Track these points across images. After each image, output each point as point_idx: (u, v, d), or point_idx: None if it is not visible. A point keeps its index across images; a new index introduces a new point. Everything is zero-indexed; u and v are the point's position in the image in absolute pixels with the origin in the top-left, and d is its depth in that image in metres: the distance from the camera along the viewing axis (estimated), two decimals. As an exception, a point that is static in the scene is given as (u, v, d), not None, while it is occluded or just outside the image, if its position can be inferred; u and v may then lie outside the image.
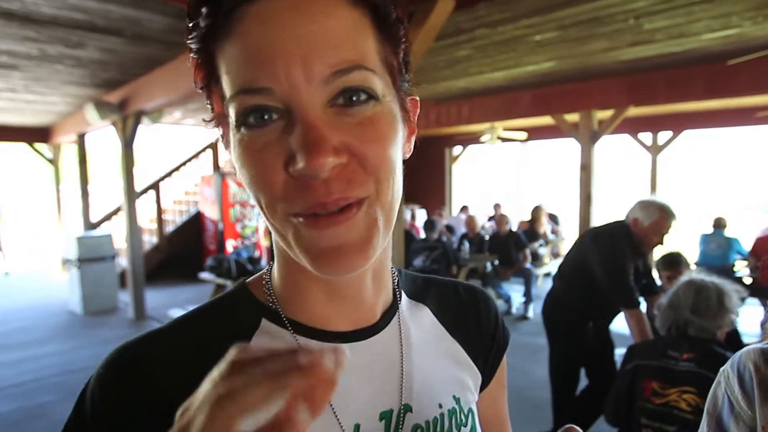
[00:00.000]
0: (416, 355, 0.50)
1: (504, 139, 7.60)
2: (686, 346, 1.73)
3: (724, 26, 3.45)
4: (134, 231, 5.72)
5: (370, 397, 0.45)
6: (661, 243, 2.52)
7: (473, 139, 8.56)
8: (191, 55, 0.39)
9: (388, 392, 0.47)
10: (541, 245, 6.93)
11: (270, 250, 0.50)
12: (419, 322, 0.52)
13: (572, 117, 5.65)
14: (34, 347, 4.83)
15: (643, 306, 2.52)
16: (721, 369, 0.92)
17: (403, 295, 0.53)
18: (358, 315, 0.47)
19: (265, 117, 0.36)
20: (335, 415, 0.43)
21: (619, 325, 2.76)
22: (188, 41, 0.39)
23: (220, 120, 0.41)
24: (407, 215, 6.60)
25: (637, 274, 2.54)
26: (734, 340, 2.11)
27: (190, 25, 0.38)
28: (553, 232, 7.85)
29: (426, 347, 0.51)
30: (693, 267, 2.76)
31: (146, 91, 4.68)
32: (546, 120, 6.54)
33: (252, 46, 0.35)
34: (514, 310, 5.90)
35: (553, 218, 8.31)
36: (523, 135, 7.47)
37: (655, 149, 7.74)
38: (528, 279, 5.86)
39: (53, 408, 3.47)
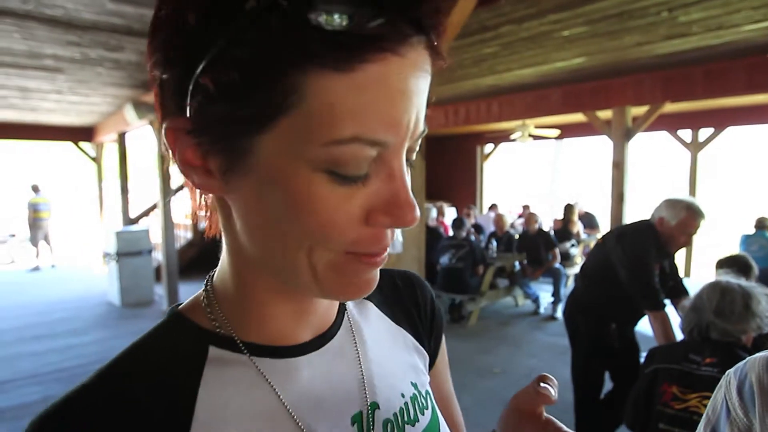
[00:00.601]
0: (371, 351, 0.50)
1: (535, 137, 7.48)
2: (708, 350, 1.68)
3: (766, 16, 3.29)
4: (169, 227, 5.93)
5: (337, 404, 0.45)
6: (689, 243, 2.45)
7: (504, 136, 8.45)
8: (243, 53, 0.31)
9: (353, 395, 0.46)
10: (573, 245, 6.79)
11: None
12: (366, 318, 0.53)
13: (605, 114, 5.51)
14: (76, 336, 5.09)
15: (671, 309, 2.45)
16: (726, 373, 0.91)
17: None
18: (317, 323, 0.47)
19: (363, 173, 0.35)
20: (319, 425, 0.43)
21: (645, 327, 2.69)
22: (265, 43, 0.31)
23: (228, 132, 0.35)
24: (434, 213, 6.58)
25: (663, 275, 2.48)
26: (763, 346, 2.03)
27: (284, 30, 0.30)
28: (587, 231, 7.67)
29: (378, 341, 0.52)
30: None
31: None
32: (578, 117, 6.39)
33: (384, 93, 0.32)
34: (542, 310, 5.82)
35: (589, 217, 8.12)
36: (555, 132, 7.33)
37: (695, 146, 7.46)
38: (557, 279, 5.76)
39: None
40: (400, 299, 0.58)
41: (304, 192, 0.34)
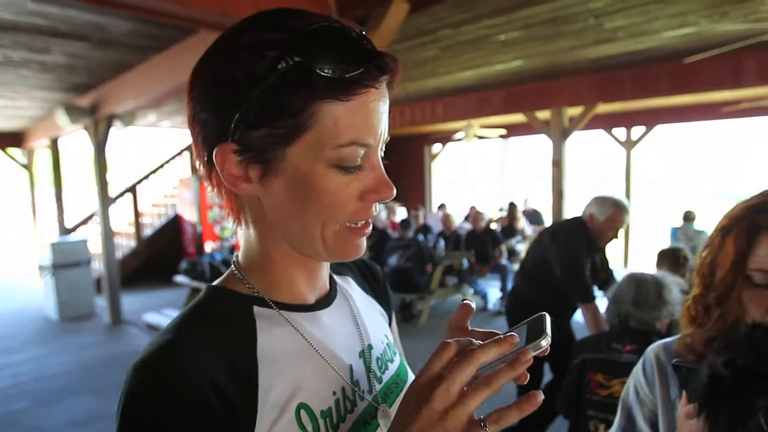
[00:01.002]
0: (360, 310, 0.68)
1: (480, 137, 7.68)
2: (629, 339, 1.79)
3: (682, 24, 3.53)
4: (108, 236, 5.69)
5: (348, 343, 0.62)
6: (616, 237, 2.60)
7: (451, 137, 8.63)
8: (278, 95, 0.47)
9: (355, 338, 0.64)
10: (518, 241, 7.02)
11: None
12: (351, 288, 0.71)
13: (544, 114, 5.74)
14: (9, 354, 4.79)
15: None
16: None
17: (331, 274, 0.69)
18: (322, 287, 0.63)
19: (358, 164, 0.51)
20: (341, 357, 0.59)
21: (580, 318, 2.82)
22: (292, 87, 0.47)
23: (266, 148, 0.50)
24: (383, 214, 6.63)
25: (594, 269, 2.61)
26: (675, 331, 2.18)
27: (306, 78, 0.47)
28: (533, 227, 7.95)
29: (361, 304, 0.70)
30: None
31: (116, 94, 4.66)
32: (520, 117, 6.63)
33: (367, 114, 0.50)
34: (490, 306, 5.98)
35: (535, 214, 8.41)
36: (498, 132, 7.55)
37: (629, 144, 7.89)
38: (504, 275, 5.94)
39: (28, 413, 3.45)
40: (366, 277, 0.77)
41: (322, 181, 0.50)
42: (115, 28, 3.28)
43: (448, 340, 0.48)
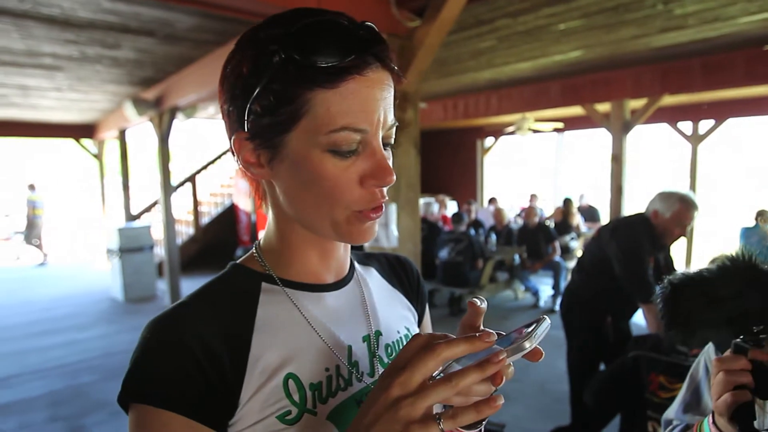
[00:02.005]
0: (374, 298, 0.69)
1: (535, 131, 7.47)
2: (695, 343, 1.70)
3: (762, 8, 3.28)
4: (170, 223, 5.97)
5: (351, 325, 0.64)
6: (684, 235, 2.46)
7: (504, 130, 8.45)
8: (276, 86, 0.51)
9: (362, 322, 0.65)
10: (572, 238, 6.80)
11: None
12: (370, 277, 0.73)
13: (604, 107, 5.51)
14: (80, 331, 5.15)
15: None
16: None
17: (354, 261, 0.72)
18: (337, 270, 0.66)
19: (353, 149, 0.53)
20: (339, 337, 0.61)
21: (641, 319, 2.71)
22: (286, 78, 0.50)
23: (269, 135, 0.54)
24: (436, 207, 6.59)
25: (657, 268, 2.49)
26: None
27: (296, 69, 0.50)
28: (588, 224, 7.67)
29: (379, 293, 0.71)
30: None
31: (179, 88, 4.87)
32: (578, 110, 6.39)
33: (359, 100, 0.51)
34: (541, 303, 5.84)
35: (591, 210, 8.11)
36: (552, 126, 7.31)
37: (695, 139, 7.43)
38: (557, 272, 5.78)
39: (94, 387, 3.71)
40: (395, 272, 0.78)
41: (318, 166, 0.53)
42: (181, 23, 3.41)
43: (420, 333, 0.48)
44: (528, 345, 0.44)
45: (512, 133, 7.55)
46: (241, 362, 0.54)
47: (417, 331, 0.74)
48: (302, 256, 0.62)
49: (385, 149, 0.56)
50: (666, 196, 2.41)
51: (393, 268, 0.78)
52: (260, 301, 0.59)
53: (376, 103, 0.52)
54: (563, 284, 5.71)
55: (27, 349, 4.63)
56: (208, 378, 0.51)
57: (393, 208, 2.71)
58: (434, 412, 0.43)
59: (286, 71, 0.50)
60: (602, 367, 2.75)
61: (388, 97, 0.54)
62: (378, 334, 0.66)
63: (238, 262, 0.64)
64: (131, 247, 6.29)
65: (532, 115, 7.07)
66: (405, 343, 0.67)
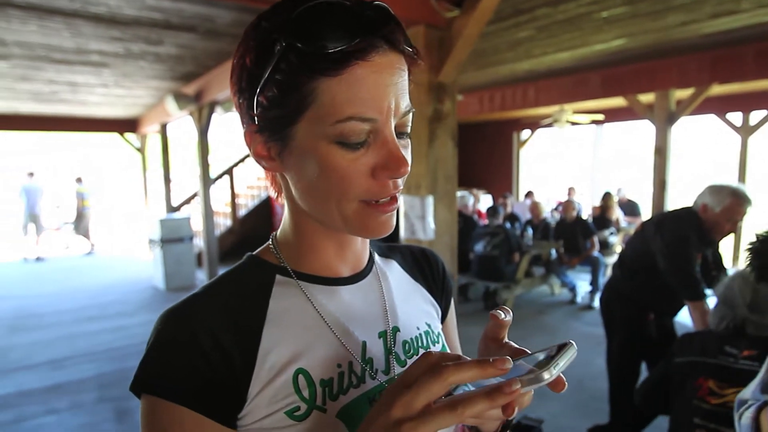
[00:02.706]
0: (393, 292, 0.66)
1: (574, 123, 7.29)
2: (746, 343, 1.62)
3: (824, -9, 3.10)
4: (208, 214, 6.13)
5: (367, 320, 0.61)
6: (734, 231, 2.36)
7: (542, 122, 8.27)
8: (279, 77, 0.49)
9: (379, 318, 0.63)
10: (612, 233, 6.62)
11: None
12: (391, 271, 0.70)
13: (647, 97, 5.32)
14: (126, 317, 5.37)
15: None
16: None
17: (375, 254, 0.70)
18: (354, 263, 0.64)
19: (362, 140, 0.50)
20: (353, 333, 0.59)
21: (686, 318, 2.62)
22: (288, 68, 0.48)
23: (277, 127, 0.52)
24: (471, 200, 6.53)
25: (705, 264, 2.40)
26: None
27: (297, 58, 0.47)
28: (628, 219, 7.44)
29: (398, 287, 0.68)
30: None
31: (218, 82, 4.97)
32: (619, 101, 6.19)
33: (365, 87, 0.48)
34: (579, 299, 5.71)
35: (631, 205, 7.86)
36: (591, 118, 7.10)
37: (746, 130, 7.09)
38: (596, 268, 5.64)
39: (139, 373, 3.86)
40: (419, 265, 0.75)
41: (326, 157, 0.50)
42: (221, 19, 3.48)
43: (431, 351, 0.44)
44: (547, 376, 0.40)
45: (550, 125, 7.39)
46: (251, 356, 0.53)
47: (439, 326, 0.71)
48: (317, 249, 0.60)
49: (400, 137, 0.53)
50: (717, 190, 2.31)
51: (417, 262, 0.75)
52: (273, 293, 0.58)
53: (385, 90, 0.49)
54: (601, 280, 5.57)
55: (77, 333, 4.86)
56: (217, 372, 0.51)
57: (430, 201, 2.70)
58: None
59: (288, 60, 0.48)
60: (644, 365, 2.68)
61: (399, 81, 0.50)
62: (396, 330, 0.63)
63: (254, 253, 0.64)
64: (172, 238, 6.49)
65: (571, 107, 6.90)
66: (425, 339, 0.66)
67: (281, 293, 0.58)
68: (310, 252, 0.61)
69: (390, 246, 0.75)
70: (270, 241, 0.64)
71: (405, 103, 0.52)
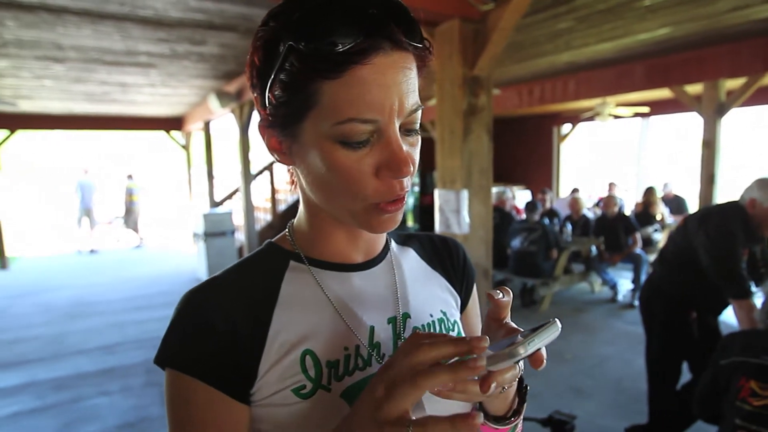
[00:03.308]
0: (406, 280, 0.68)
1: (617, 116, 7.06)
2: (793, 342, 1.56)
3: None
4: (249, 209, 6.31)
5: (376, 306, 0.63)
6: (785, 227, 2.25)
7: (584, 116, 8.05)
8: (283, 77, 0.50)
9: (389, 304, 0.64)
10: (656, 230, 6.39)
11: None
12: (406, 258, 0.71)
13: (694, 88, 5.10)
14: (171, 308, 5.42)
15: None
16: None
17: (392, 241, 0.72)
18: (366, 250, 0.66)
19: (363, 140, 0.50)
20: (362, 318, 0.61)
21: (731, 317, 2.52)
22: (291, 69, 0.49)
23: (285, 124, 0.54)
24: (510, 195, 6.45)
25: (752, 261, 2.30)
26: None
27: (298, 59, 0.48)
28: (675, 216, 7.16)
29: (413, 275, 0.69)
30: None
31: (258, 80, 5.10)
32: (664, 93, 5.96)
33: (366, 89, 0.48)
34: (620, 297, 5.56)
35: (677, 201, 7.54)
36: (633, 111, 6.86)
37: (805, 121, 6.69)
38: (638, 265, 5.47)
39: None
40: (438, 253, 0.75)
41: (330, 157, 0.52)
42: (260, 18, 3.57)
43: (418, 332, 0.46)
44: (522, 351, 0.41)
45: (591, 118, 7.19)
46: (261, 335, 0.56)
47: (456, 314, 0.72)
48: (329, 237, 0.63)
49: (408, 135, 0.53)
50: (766, 184, 2.21)
51: (436, 250, 0.75)
52: (285, 278, 0.61)
53: (387, 91, 0.49)
54: (644, 278, 5.40)
55: (127, 321, 5.13)
56: (229, 350, 0.54)
57: (465, 195, 2.70)
58: (410, 418, 0.42)
59: (292, 62, 0.49)
60: (685, 365, 2.60)
61: (405, 81, 0.50)
62: (406, 316, 0.64)
63: (272, 240, 0.67)
64: (214, 232, 6.71)
65: (614, 99, 6.69)
66: (438, 326, 0.66)
67: (293, 278, 0.61)
68: (323, 239, 0.63)
69: (409, 234, 0.76)
70: (287, 229, 0.67)
71: (411, 101, 0.51)
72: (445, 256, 0.75)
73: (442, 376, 0.40)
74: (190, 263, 7.96)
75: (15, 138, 8.31)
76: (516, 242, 5.41)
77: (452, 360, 0.42)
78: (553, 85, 6.20)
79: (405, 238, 0.75)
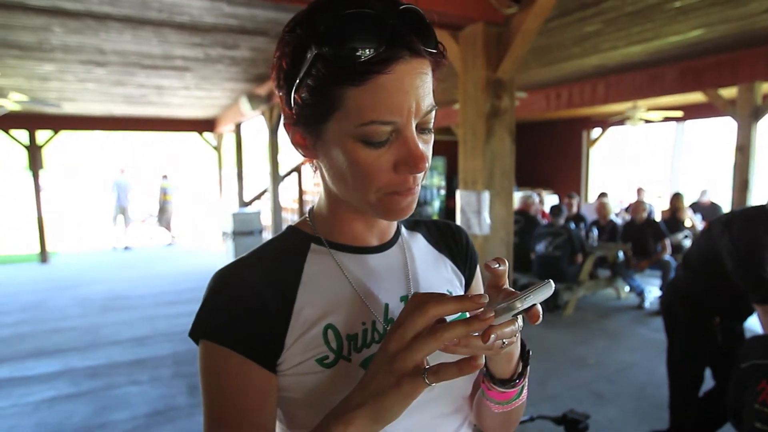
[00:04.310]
0: (417, 262, 0.74)
1: (648, 121, 6.93)
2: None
3: None
4: (277, 210, 6.45)
5: (392, 286, 0.69)
6: (813, 230, 2.19)
7: (614, 120, 7.92)
8: (309, 81, 0.54)
9: (402, 283, 0.70)
10: (686, 236, 6.24)
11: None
12: (416, 243, 0.77)
13: (729, 92, 4.97)
14: (199, 304, 5.76)
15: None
16: None
17: (402, 227, 0.78)
18: (380, 235, 0.72)
19: (384, 140, 0.55)
20: (377, 295, 0.67)
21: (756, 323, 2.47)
22: (317, 74, 0.53)
23: (310, 122, 0.59)
24: (537, 199, 6.40)
25: (779, 267, 2.25)
26: None
27: (325, 66, 0.53)
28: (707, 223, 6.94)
29: (422, 258, 0.76)
30: None
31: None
32: (699, 97, 5.83)
33: (387, 94, 0.53)
34: (647, 304, 5.44)
35: (713, 208, 7.30)
36: (663, 115, 6.71)
37: None
38: (666, 272, 5.36)
39: (211, 353, 4.17)
40: (443, 237, 0.82)
41: (352, 154, 0.57)
42: (290, 23, 3.69)
43: (420, 292, 0.50)
44: (519, 305, 0.45)
45: (622, 123, 7.07)
46: (287, 311, 0.62)
47: (460, 293, 0.77)
48: (347, 223, 0.68)
49: (423, 133, 0.58)
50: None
51: (442, 235, 0.82)
52: (307, 259, 0.66)
53: (405, 96, 0.53)
54: (674, 286, 5.28)
55: (157, 315, 5.31)
56: (259, 322, 0.60)
57: (486, 196, 2.73)
58: (425, 366, 0.47)
59: (318, 68, 0.53)
60: (708, 372, 2.55)
61: (422, 85, 0.55)
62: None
63: (293, 225, 0.73)
64: (243, 231, 6.89)
65: (645, 103, 6.57)
66: None
67: (314, 259, 0.67)
68: (341, 225, 0.69)
69: (416, 221, 0.82)
70: (307, 215, 0.73)
71: (427, 102, 0.56)
72: (450, 240, 0.81)
73: (458, 329, 0.45)
74: (219, 261, 8.16)
75: (58, 138, 8.70)
76: (540, 247, 5.37)
77: (455, 316, 0.47)
78: (582, 88, 6.13)
79: (413, 224, 0.81)
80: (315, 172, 0.69)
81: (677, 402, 2.57)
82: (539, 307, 0.51)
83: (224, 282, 0.63)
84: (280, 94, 0.61)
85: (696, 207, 7.33)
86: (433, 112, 0.58)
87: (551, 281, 0.48)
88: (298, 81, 0.55)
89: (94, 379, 3.69)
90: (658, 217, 6.79)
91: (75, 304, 5.80)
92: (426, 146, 0.58)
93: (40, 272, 7.84)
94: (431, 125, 0.60)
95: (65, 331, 4.84)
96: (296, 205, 9.07)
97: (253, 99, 5.88)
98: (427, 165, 0.57)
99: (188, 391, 3.49)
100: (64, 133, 8.76)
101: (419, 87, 0.55)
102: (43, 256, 8.51)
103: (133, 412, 3.20)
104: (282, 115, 0.64)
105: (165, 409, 3.22)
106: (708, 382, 2.60)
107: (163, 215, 10.49)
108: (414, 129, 0.56)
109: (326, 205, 0.70)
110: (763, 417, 1.63)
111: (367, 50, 0.51)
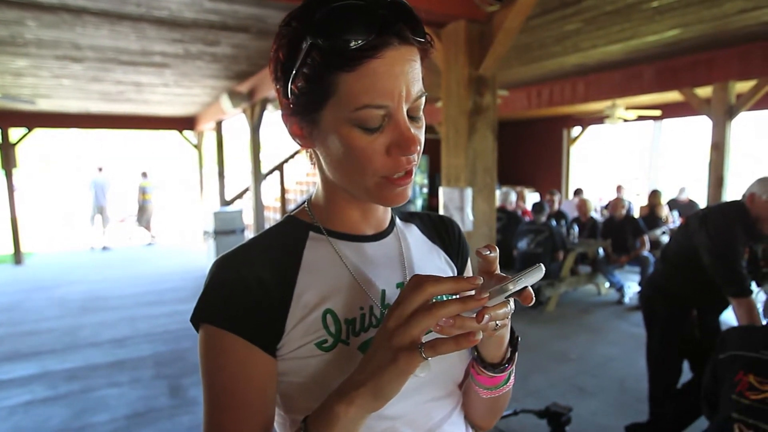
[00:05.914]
0: (412, 251, 0.76)
1: (626, 120, 7.05)
2: (790, 337, 1.59)
3: None
4: (259, 208, 6.39)
5: (387, 272, 0.71)
6: (785, 224, 2.26)
7: (593, 118, 8.04)
8: (305, 70, 0.57)
9: (398, 271, 0.72)
10: (664, 232, 6.37)
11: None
12: (410, 233, 0.80)
13: (705, 91, 5.09)
14: (181, 303, 5.70)
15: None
16: None
17: (397, 218, 0.80)
18: (376, 225, 0.74)
19: (377, 125, 0.58)
20: (374, 282, 0.68)
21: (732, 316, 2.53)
22: (312, 63, 0.56)
23: (306, 111, 0.61)
24: (513, 196, 6.46)
25: (753, 259, 2.31)
26: None
27: (319, 54, 0.55)
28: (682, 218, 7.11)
29: (417, 248, 0.78)
30: None
31: (270, 80, 5.17)
32: (675, 96, 5.95)
33: (378, 79, 0.55)
34: (626, 300, 5.54)
35: (692, 206, 7.47)
36: (638, 114, 6.84)
37: (818, 126, 6.62)
38: (645, 267, 5.46)
39: (192, 352, 4.11)
40: (436, 228, 0.84)
41: (347, 138, 0.59)
42: (272, 19, 3.65)
43: (418, 274, 0.52)
44: (512, 287, 0.47)
45: (601, 121, 7.18)
46: (287, 296, 0.64)
47: None
48: (345, 212, 0.70)
49: (414, 120, 0.60)
50: (766, 179, 2.23)
51: (435, 226, 0.84)
52: (306, 246, 0.68)
53: (396, 80, 0.56)
54: (652, 281, 5.38)
55: (138, 316, 5.22)
56: (260, 306, 0.61)
57: (469, 193, 2.75)
58: (421, 341, 0.49)
59: (313, 57, 0.56)
60: (686, 364, 2.61)
61: (410, 71, 0.58)
62: None
63: (292, 214, 0.75)
64: (225, 230, 6.80)
65: (624, 102, 6.68)
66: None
67: (313, 246, 0.69)
68: (339, 214, 0.71)
69: (411, 213, 0.85)
70: (305, 204, 0.75)
71: (416, 88, 0.59)
72: (442, 232, 0.84)
73: (453, 306, 0.47)
74: (200, 260, 8.07)
75: (32, 136, 8.49)
76: (522, 244, 5.42)
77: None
78: (562, 87, 6.21)
79: (408, 216, 0.84)
80: (312, 162, 0.71)
81: (656, 394, 2.62)
82: (531, 290, 0.52)
83: (226, 268, 0.64)
84: (278, 86, 0.63)
85: (674, 204, 7.49)
86: (423, 99, 0.61)
87: (542, 265, 0.49)
88: (294, 71, 0.58)
89: (72, 382, 3.62)
90: (636, 214, 6.91)
91: (52, 306, 5.67)
92: (418, 131, 0.60)
93: (14, 274, 7.64)
94: (421, 113, 0.62)
95: (42, 333, 4.73)
96: (279, 204, 9.01)
97: (234, 96, 5.82)
98: (419, 148, 0.60)
99: (169, 392, 3.43)
100: (38, 131, 8.55)
101: (408, 72, 0.57)
102: (18, 257, 8.30)
103: (112, 414, 3.14)
104: (280, 107, 0.66)
105: (145, 411, 3.17)
106: (686, 374, 2.66)
107: (143, 215, 10.32)
108: (405, 113, 0.58)
109: (324, 194, 0.71)
110: (740, 407, 1.67)
111: (358, 38, 0.54)
